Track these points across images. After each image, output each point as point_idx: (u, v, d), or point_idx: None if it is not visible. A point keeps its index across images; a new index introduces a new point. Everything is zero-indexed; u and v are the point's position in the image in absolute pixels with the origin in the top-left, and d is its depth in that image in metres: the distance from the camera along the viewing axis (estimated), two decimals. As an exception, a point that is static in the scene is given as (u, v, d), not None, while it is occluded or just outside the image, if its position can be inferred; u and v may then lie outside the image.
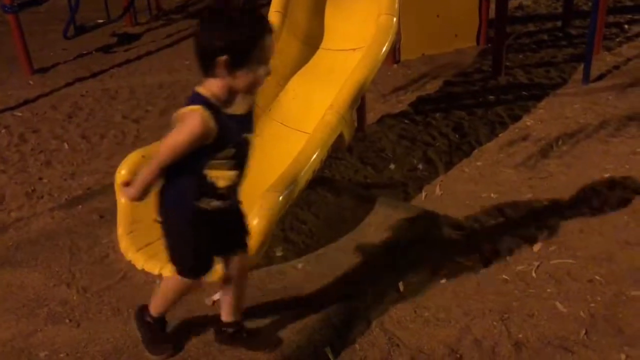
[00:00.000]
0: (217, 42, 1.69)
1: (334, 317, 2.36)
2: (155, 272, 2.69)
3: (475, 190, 3.34)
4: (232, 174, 1.88)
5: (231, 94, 1.79)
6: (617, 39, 5.62)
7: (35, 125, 4.75)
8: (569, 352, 2.13)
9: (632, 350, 2.11)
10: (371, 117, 4.35)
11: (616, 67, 4.94)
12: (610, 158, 3.52)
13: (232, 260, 2.11)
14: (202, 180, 1.85)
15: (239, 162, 1.89)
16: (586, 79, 4.68)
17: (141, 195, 1.86)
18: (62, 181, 3.82)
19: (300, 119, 3.37)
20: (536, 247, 2.76)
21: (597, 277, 2.49)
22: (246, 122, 1.89)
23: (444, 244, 2.86)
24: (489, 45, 5.66)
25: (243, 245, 2.12)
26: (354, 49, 3.34)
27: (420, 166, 3.68)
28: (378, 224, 2.99)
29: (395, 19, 3.03)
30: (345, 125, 2.91)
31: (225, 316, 2.22)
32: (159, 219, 1.98)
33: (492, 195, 3.25)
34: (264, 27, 1.75)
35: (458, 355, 2.14)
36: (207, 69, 1.75)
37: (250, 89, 1.81)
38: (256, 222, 2.55)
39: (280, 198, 2.61)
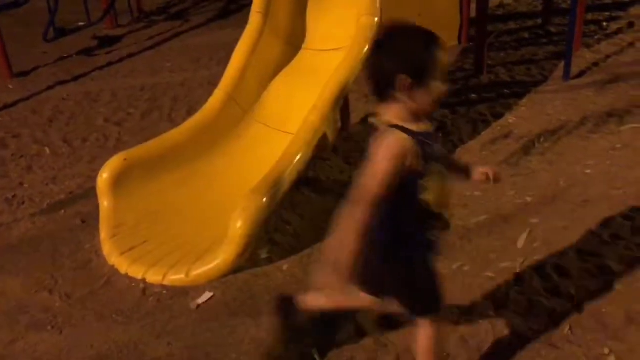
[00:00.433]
0: (395, 63, 1.60)
1: (320, 318, 2.35)
2: (139, 276, 2.68)
3: (459, 188, 3.34)
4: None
5: (413, 117, 1.67)
6: (597, 37, 5.67)
7: (16, 130, 4.69)
8: (554, 347, 2.15)
9: (616, 345, 2.13)
10: (355, 117, 4.34)
11: (595, 64, 4.99)
12: (591, 154, 3.55)
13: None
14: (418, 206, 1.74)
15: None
16: (566, 76, 4.72)
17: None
18: (43, 186, 3.77)
19: (283, 119, 3.36)
20: (520, 244, 2.77)
21: (581, 273, 2.51)
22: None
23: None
24: (471, 44, 5.68)
25: None
26: (336, 49, 3.35)
27: (404, 165, 3.67)
28: (363, 224, 2.99)
29: (376, 19, 3.04)
30: (328, 126, 2.91)
31: None
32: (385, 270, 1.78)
33: (475, 193, 3.26)
34: (438, 44, 1.64)
35: (445, 354, 2.14)
36: (384, 94, 1.64)
37: (432, 109, 1.69)
38: (239, 224, 2.54)
39: (265, 200, 2.60)
